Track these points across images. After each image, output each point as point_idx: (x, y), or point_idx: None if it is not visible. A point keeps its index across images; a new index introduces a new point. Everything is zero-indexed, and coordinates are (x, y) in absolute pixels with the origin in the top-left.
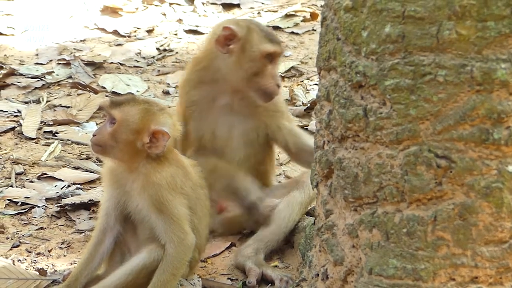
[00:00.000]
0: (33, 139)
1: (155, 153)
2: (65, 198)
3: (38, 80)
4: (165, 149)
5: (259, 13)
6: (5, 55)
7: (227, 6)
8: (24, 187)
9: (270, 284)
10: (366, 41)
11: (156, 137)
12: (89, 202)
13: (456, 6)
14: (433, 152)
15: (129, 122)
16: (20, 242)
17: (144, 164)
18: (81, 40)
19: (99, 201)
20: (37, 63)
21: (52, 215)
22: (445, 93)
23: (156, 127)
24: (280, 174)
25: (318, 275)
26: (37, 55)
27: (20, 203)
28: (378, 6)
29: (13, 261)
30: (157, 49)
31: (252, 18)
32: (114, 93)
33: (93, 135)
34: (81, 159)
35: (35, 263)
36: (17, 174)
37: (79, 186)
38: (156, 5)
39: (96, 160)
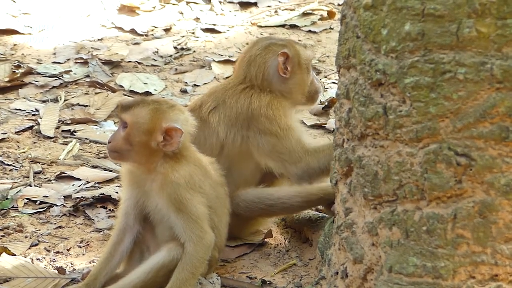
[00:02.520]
0: (51, 138)
1: (170, 150)
2: (84, 198)
3: (56, 79)
4: (180, 145)
5: (276, 11)
6: (22, 54)
7: (244, 5)
8: (43, 186)
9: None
10: (386, 39)
11: (169, 134)
12: (106, 196)
13: (476, 4)
14: (453, 150)
15: (140, 124)
16: (38, 241)
17: (162, 163)
18: (98, 39)
19: (115, 199)
20: (54, 62)
21: (70, 213)
22: (465, 91)
23: (168, 124)
24: None
25: (337, 273)
26: (54, 54)
27: (38, 202)
28: (397, 4)
29: (32, 259)
30: (175, 47)
31: (269, 17)
32: (131, 91)
33: (108, 142)
34: (99, 158)
35: (54, 261)
36: (36, 173)
37: (97, 184)
38: (173, 4)
39: None
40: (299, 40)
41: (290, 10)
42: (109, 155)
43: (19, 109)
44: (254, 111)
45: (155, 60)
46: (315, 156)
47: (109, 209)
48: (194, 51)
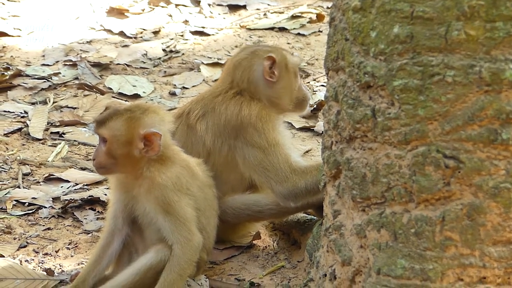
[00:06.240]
0: (39, 140)
1: (154, 155)
2: (72, 200)
3: (45, 81)
4: (161, 147)
5: (265, 14)
6: (11, 56)
7: (233, 8)
8: (31, 188)
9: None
10: (375, 41)
11: (149, 140)
12: (94, 198)
13: (465, 7)
14: (442, 152)
15: (118, 136)
16: (27, 242)
17: (148, 167)
18: (87, 41)
19: (104, 201)
20: (43, 64)
21: (59, 215)
22: (454, 94)
23: (145, 130)
24: None
25: (325, 275)
26: (43, 56)
27: (27, 203)
28: (386, 7)
29: (21, 261)
30: (163, 50)
31: (258, 20)
32: (120, 94)
33: (93, 159)
34: (87, 160)
35: (42, 263)
36: (24, 174)
37: (86, 186)
38: (162, 7)
39: None
40: (288, 43)
41: (279, 13)
42: (96, 172)
43: (8, 111)
44: (243, 119)
45: (144, 62)
46: (302, 176)
47: (98, 211)
48: (183, 54)
